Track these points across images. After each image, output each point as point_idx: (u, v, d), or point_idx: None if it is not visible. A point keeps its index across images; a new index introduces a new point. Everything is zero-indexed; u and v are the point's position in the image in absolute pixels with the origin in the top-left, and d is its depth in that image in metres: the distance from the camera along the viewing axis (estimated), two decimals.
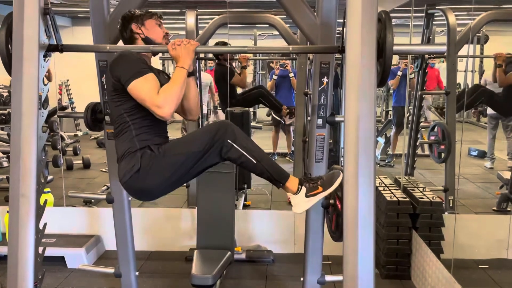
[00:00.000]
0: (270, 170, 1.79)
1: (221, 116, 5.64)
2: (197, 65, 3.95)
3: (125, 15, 1.96)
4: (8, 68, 1.73)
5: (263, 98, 4.90)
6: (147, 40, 1.93)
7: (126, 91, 1.77)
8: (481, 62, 5.58)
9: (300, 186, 1.81)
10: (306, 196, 1.79)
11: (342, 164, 2.37)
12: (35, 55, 1.66)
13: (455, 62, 3.84)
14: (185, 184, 3.81)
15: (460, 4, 4.19)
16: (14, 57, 1.66)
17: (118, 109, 1.84)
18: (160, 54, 5.13)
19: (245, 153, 1.75)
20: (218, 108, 6.08)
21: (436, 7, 3.83)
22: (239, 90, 4.98)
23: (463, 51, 3.92)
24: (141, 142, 1.81)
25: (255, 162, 1.76)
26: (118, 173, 1.86)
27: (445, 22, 3.73)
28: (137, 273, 2.55)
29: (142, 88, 1.74)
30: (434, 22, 3.94)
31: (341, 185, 2.09)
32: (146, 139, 1.82)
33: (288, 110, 4.81)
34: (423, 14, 3.86)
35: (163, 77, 1.94)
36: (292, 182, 1.81)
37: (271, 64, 6.17)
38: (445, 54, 3.88)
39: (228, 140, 1.75)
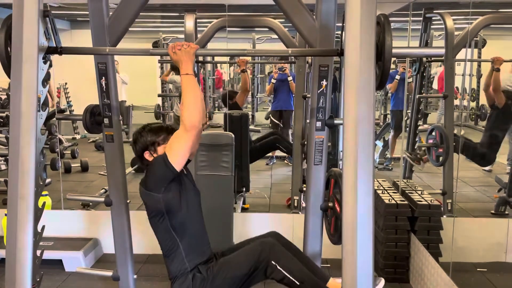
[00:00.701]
0: None
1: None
2: (196, 68, 3.95)
3: (138, 140, 1.95)
4: (7, 70, 1.73)
5: (279, 144, 4.86)
6: None
7: (166, 205, 1.82)
8: (479, 66, 5.60)
9: None
10: None
11: (341, 167, 2.38)
12: (34, 57, 1.66)
13: (453, 66, 3.85)
14: None
15: (457, 8, 4.22)
16: (13, 59, 1.66)
17: (165, 227, 1.89)
18: (159, 57, 5.18)
19: (288, 275, 1.84)
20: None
21: (434, 11, 3.85)
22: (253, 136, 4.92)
23: (460, 55, 3.94)
24: (191, 263, 1.90)
25: (298, 283, 1.85)
26: None
27: (443, 26, 3.75)
28: (135, 276, 2.54)
29: (172, 145, 1.80)
30: (432, 26, 3.95)
31: (339, 188, 2.10)
32: (195, 258, 1.91)
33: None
34: (421, 18, 3.88)
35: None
36: None
37: (273, 73, 6.19)
38: (443, 58, 3.89)
39: (272, 262, 1.84)
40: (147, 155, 1.93)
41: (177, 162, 1.79)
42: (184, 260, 1.90)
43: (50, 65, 2.01)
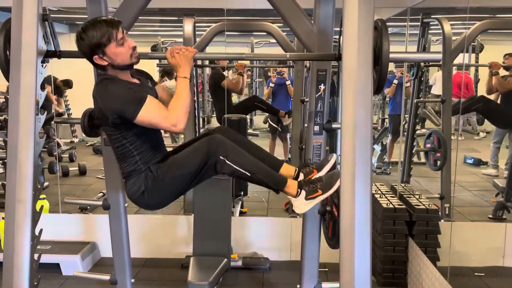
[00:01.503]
0: (266, 180, 1.86)
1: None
2: (193, 71, 3.96)
3: (80, 46, 1.73)
4: (6, 73, 1.73)
5: (259, 103, 4.94)
6: (117, 67, 1.79)
7: (126, 122, 1.76)
8: (476, 71, 5.62)
9: (299, 190, 1.87)
10: (306, 199, 1.86)
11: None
12: (33, 61, 1.67)
13: (451, 71, 3.87)
14: None
15: (455, 13, 4.24)
16: (12, 63, 1.67)
17: (118, 139, 1.85)
18: (157, 61, 5.19)
19: (238, 168, 1.81)
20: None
21: (432, 16, 3.87)
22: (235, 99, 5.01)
23: (458, 59, 3.96)
24: (144, 164, 1.87)
25: (249, 175, 1.83)
26: (127, 190, 1.92)
27: (441, 31, 3.77)
28: (132, 280, 2.53)
29: (151, 114, 1.73)
30: (430, 31, 3.97)
31: (337, 192, 2.10)
32: (148, 159, 1.87)
33: (285, 112, 4.90)
34: (419, 23, 3.90)
35: (149, 87, 1.95)
36: (291, 187, 1.87)
37: (269, 73, 6.21)
38: (441, 63, 3.91)
39: (220, 157, 1.80)
40: (97, 60, 1.74)
41: (141, 121, 1.71)
42: (138, 162, 1.86)
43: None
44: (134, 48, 1.80)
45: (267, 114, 6.59)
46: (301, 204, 1.87)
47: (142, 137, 1.85)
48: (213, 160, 1.80)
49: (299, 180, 1.92)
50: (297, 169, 1.98)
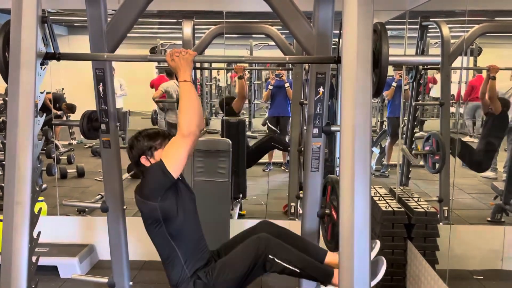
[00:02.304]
0: (315, 274, 1.91)
1: None
2: (193, 74, 3.96)
3: (134, 145, 1.94)
4: (5, 75, 1.73)
5: (277, 143, 4.93)
6: None
7: (163, 212, 1.82)
8: (474, 74, 5.64)
9: None
10: None
11: (338, 174, 2.38)
12: (32, 63, 1.66)
13: (449, 74, 3.87)
14: None
15: (454, 16, 4.25)
16: (11, 65, 1.66)
17: (162, 235, 1.89)
18: (156, 63, 5.19)
19: (288, 265, 1.86)
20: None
21: (430, 19, 3.88)
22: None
23: (456, 63, 3.96)
24: (190, 269, 1.91)
25: (298, 271, 1.87)
26: None
27: (439, 34, 3.77)
28: (131, 283, 2.53)
29: (172, 155, 1.79)
30: (428, 34, 3.98)
31: (336, 195, 2.10)
32: (194, 264, 1.92)
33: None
34: (418, 26, 3.91)
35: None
36: (338, 277, 1.88)
37: (269, 79, 6.22)
38: (439, 66, 3.91)
39: (270, 256, 1.85)
40: (143, 160, 1.92)
41: (175, 169, 1.78)
42: (183, 267, 1.90)
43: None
44: None
45: (266, 115, 6.60)
46: None
47: (185, 233, 1.90)
48: (262, 260, 1.85)
49: None
50: None
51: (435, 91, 7.22)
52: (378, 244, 2.02)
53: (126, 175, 4.87)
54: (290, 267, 1.85)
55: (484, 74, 4.01)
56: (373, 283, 1.85)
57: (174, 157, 1.78)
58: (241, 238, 2.05)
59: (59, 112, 6.29)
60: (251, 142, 4.99)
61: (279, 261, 1.84)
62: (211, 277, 1.88)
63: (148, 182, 1.84)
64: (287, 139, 5.51)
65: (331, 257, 2.02)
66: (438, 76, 7.11)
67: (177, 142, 1.79)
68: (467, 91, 4.70)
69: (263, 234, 1.93)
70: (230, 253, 1.96)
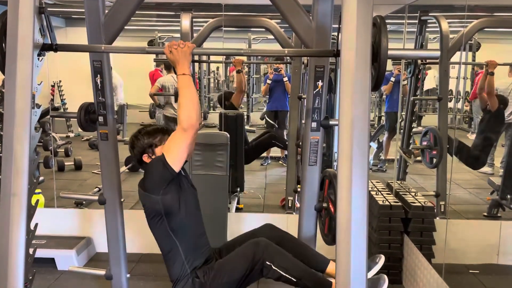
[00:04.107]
0: (311, 285, 1.89)
1: None
2: (191, 67, 3.94)
3: (135, 145, 1.96)
4: (2, 66, 1.72)
5: (277, 141, 4.93)
6: None
7: (165, 206, 1.82)
8: (473, 69, 5.63)
9: None
10: None
11: (335, 168, 2.38)
12: (29, 54, 1.65)
13: (448, 69, 3.87)
14: None
15: (453, 11, 4.24)
16: (8, 56, 1.65)
17: (164, 229, 1.89)
18: (154, 56, 5.17)
19: (284, 274, 1.85)
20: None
21: (429, 14, 3.87)
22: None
23: (455, 58, 3.96)
24: (190, 266, 1.92)
25: (295, 280, 1.86)
26: None
27: (438, 29, 3.76)
28: (128, 275, 2.53)
29: (173, 148, 1.80)
30: (427, 29, 3.97)
31: (334, 189, 2.10)
32: (195, 261, 1.93)
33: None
34: (417, 21, 3.90)
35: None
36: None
37: (268, 73, 6.19)
38: (438, 60, 3.91)
39: (267, 262, 1.84)
40: (145, 158, 1.94)
41: (176, 163, 1.79)
42: (184, 262, 1.91)
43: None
44: None
45: (264, 110, 6.59)
46: None
47: (186, 228, 1.91)
48: (260, 265, 1.84)
49: None
50: None
51: (428, 84, 7.23)
52: (382, 260, 1.98)
53: (123, 168, 4.87)
54: (287, 276, 1.85)
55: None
56: None
57: (174, 151, 1.79)
58: (243, 239, 2.04)
59: (56, 105, 6.26)
60: (250, 137, 4.98)
61: (276, 269, 1.84)
62: (208, 277, 1.89)
63: (150, 176, 1.85)
64: (285, 133, 5.52)
65: (332, 267, 1.99)
66: (429, 70, 7.12)
67: (178, 136, 1.79)
68: (475, 89, 4.71)
69: (262, 239, 1.92)
70: (228, 255, 1.96)
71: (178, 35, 3.92)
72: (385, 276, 1.87)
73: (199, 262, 1.94)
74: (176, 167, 1.79)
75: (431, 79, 7.28)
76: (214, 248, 2.08)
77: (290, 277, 1.85)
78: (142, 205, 1.92)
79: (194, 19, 3.91)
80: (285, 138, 5.27)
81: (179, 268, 1.91)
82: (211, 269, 1.91)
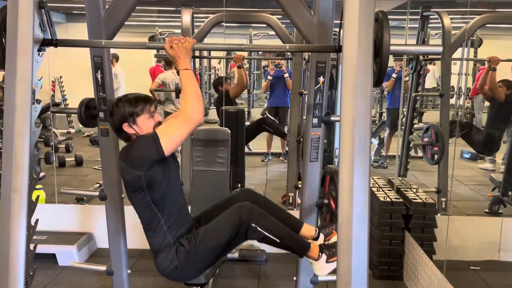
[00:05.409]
0: (292, 245, 1.93)
1: None
2: (192, 63, 3.93)
3: (114, 112, 1.88)
4: (2, 62, 1.71)
5: (267, 126, 4.97)
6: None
7: (147, 181, 1.79)
8: (475, 65, 5.62)
9: (320, 254, 1.94)
10: (326, 262, 1.93)
11: (337, 164, 2.38)
12: (29, 49, 1.64)
13: (450, 65, 3.86)
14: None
15: (455, 7, 4.22)
16: (8, 51, 1.64)
17: (145, 202, 1.86)
18: (155, 51, 5.16)
19: (268, 234, 1.87)
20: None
21: (432, 10, 3.85)
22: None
23: (457, 54, 3.95)
24: (173, 236, 1.90)
25: (278, 240, 1.89)
26: (157, 266, 1.94)
27: (440, 24, 3.75)
28: (129, 271, 2.53)
29: (170, 135, 1.77)
30: (429, 25, 3.96)
31: (335, 185, 2.10)
32: (177, 230, 1.91)
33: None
34: (419, 16, 3.88)
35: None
36: (314, 251, 1.95)
37: (269, 69, 6.18)
38: (440, 56, 3.89)
39: (252, 224, 1.85)
40: (126, 127, 1.87)
41: (169, 147, 1.77)
42: (166, 233, 1.89)
43: None
44: (160, 123, 1.91)
45: (265, 106, 6.58)
46: (322, 267, 1.93)
47: (167, 200, 1.89)
48: (245, 227, 1.85)
49: (320, 243, 1.99)
50: (317, 229, 2.05)
51: (428, 83, 7.21)
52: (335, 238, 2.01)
53: None
54: (271, 236, 1.87)
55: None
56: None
57: (171, 136, 1.77)
58: (222, 206, 2.05)
59: (57, 100, 6.26)
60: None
61: (261, 230, 1.85)
62: (193, 243, 1.87)
63: (137, 151, 1.80)
64: (286, 129, 5.51)
65: (306, 228, 2.05)
66: (430, 66, 7.10)
67: (179, 125, 1.77)
68: (475, 86, 4.72)
69: (247, 203, 1.92)
70: (213, 220, 1.94)
71: (179, 30, 3.91)
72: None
73: (181, 231, 1.92)
74: (168, 152, 1.77)
75: (431, 78, 7.26)
76: (193, 217, 2.08)
77: (273, 237, 1.87)
78: (121, 177, 1.87)
79: (195, 15, 3.91)
80: (278, 125, 5.33)
81: (161, 239, 1.89)
82: (196, 235, 1.90)
